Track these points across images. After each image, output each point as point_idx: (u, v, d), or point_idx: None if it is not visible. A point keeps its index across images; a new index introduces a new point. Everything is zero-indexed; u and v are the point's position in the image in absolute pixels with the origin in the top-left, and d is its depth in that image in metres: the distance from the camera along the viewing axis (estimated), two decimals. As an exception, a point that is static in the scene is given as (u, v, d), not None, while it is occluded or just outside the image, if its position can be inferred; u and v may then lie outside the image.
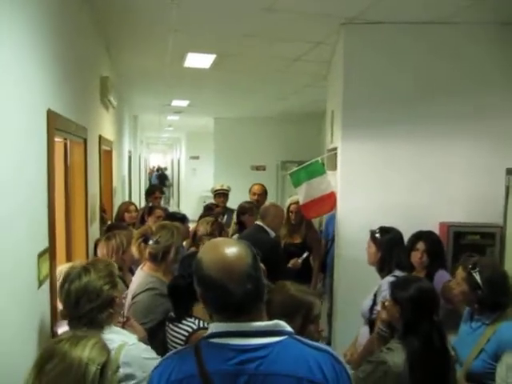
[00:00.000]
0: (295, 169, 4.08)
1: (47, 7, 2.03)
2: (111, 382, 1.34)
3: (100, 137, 3.69)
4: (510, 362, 0.89)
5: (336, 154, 3.85)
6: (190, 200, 13.48)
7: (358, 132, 3.46)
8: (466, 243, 3.25)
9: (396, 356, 1.86)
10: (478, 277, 2.09)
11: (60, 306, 1.96)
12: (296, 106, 7.40)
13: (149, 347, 1.75)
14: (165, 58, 4.46)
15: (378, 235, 2.75)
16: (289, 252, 4.22)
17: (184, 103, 7.19)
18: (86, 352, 1.28)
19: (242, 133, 8.83)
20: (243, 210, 4.38)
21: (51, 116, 1.94)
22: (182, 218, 3.82)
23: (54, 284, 1.99)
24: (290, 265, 3.80)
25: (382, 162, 3.45)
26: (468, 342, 2.17)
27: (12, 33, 1.56)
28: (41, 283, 1.82)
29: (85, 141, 2.90)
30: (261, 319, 1.15)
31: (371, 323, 2.56)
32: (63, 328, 1.91)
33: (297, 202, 4.11)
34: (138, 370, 1.60)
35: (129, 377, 1.58)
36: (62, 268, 2.10)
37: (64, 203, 2.61)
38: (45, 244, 1.91)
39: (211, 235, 3.01)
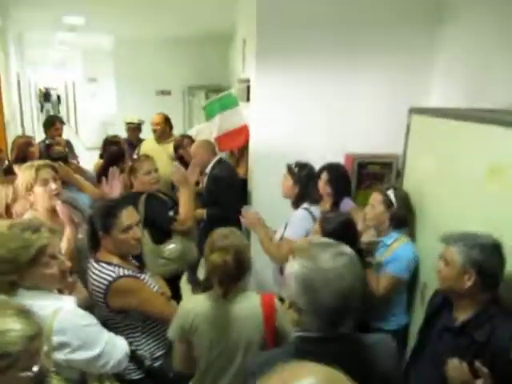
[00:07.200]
0: (209, 101, 4.01)
1: None
2: (45, 353, 1.25)
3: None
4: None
5: (248, 85, 3.83)
6: (89, 126, 12.63)
7: (272, 63, 3.44)
8: (367, 172, 3.55)
9: None
10: (392, 195, 2.43)
11: None
12: (201, 28, 7.05)
13: (87, 313, 1.65)
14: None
15: (296, 169, 2.87)
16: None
17: (80, 20, 6.47)
18: None
19: (145, 54, 8.28)
20: (178, 143, 4.33)
21: None
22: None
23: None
24: None
25: (295, 94, 3.50)
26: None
27: None
28: None
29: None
30: None
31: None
32: None
33: None
34: (73, 338, 1.53)
35: (63, 345, 1.51)
36: None
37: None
38: None
39: None
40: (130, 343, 1.93)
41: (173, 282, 2.81)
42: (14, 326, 1.14)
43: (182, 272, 2.98)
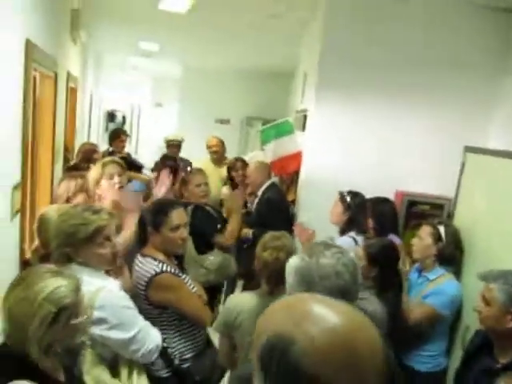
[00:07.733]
0: (266, 126, 4.13)
1: None
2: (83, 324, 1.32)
3: (68, 73, 3.55)
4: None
5: (305, 115, 3.93)
6: (149, 148, 13.20)
7: (330, 95, 3.53)
8: (416, 211, 3.48)
9: (372, 305, 1.94)
10: (442, 230, 2.41)
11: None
12: (266, 64, 7.35)
13: (127, 296, 1.73)
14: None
15: (348, 198, 2.88)
16: None
17: (154, 46, 6.93)
18: (48, 288, 1.22)
19: (209, 84, 8.68)
20: (232, 165, 4.35)
21: (30, 46, 1.87)
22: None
23: (25, 217, 2.00)
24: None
25: (350, 127, 3.54)
26: (413, 293, 2.44)
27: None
28: (13, 216, 1.83)
29: (55, 74, 2.80)
30: None
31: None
32: None
33: None
34: (111, 316, 1.61)
35: (101, 320, 1.59)
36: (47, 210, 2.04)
37: (31, 140, 2.56)
38: (18, 178, 1.90)
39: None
40: (163, 339, 1.97)
41: (210, 292, 2.85)
42: (61, 283, 1.26)
43: (221, 285, 3.01)
